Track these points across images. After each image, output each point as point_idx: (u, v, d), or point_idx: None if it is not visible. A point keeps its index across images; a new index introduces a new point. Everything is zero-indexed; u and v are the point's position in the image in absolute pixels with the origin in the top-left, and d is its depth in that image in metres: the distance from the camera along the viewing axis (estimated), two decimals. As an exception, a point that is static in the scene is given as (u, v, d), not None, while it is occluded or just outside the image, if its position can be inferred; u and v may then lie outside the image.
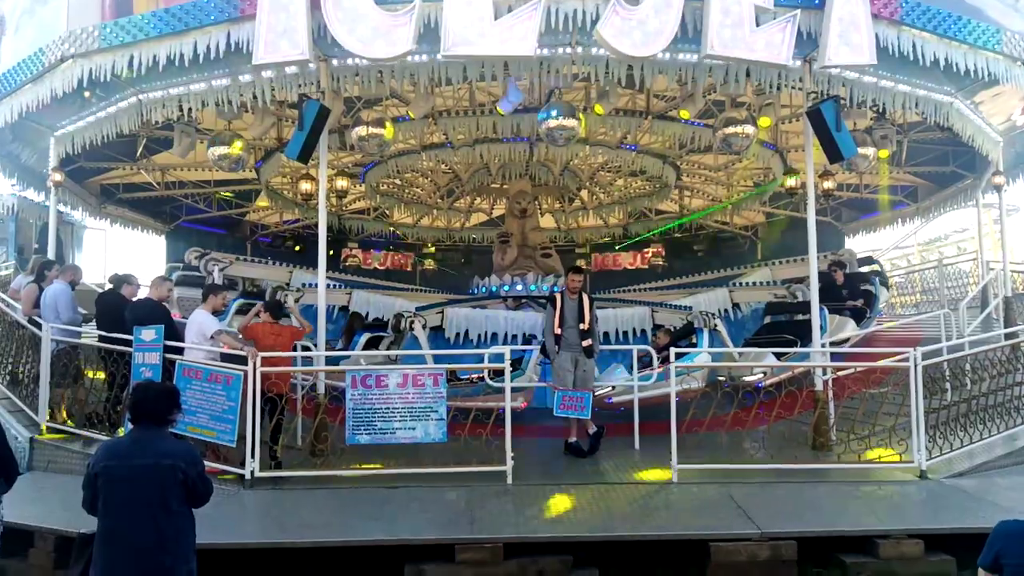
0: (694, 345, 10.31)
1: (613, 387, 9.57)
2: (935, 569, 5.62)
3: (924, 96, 8.81)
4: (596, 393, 8.58)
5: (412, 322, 10.83)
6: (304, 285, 12.99)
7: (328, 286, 10.50)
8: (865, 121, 10.94)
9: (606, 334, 11.68)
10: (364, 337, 11.00)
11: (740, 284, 14.13)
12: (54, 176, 10.74)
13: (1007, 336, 9.48)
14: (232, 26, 7.76)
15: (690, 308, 12.12)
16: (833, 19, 7.52)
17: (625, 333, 11.93)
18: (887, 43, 7.83)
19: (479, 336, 11.94)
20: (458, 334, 11.96)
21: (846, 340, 10.68)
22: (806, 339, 9.51)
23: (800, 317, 11.00)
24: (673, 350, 7.83)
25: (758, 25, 7.41)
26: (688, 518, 6.31)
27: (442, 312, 11.93)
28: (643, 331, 11.78)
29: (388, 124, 10.22)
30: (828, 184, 13.11)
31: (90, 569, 3.60)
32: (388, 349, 10.74)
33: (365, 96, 10.87)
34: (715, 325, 10.66)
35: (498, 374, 7.97)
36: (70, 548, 5.35)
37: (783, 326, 11.62)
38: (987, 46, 8.43)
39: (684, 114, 10.75)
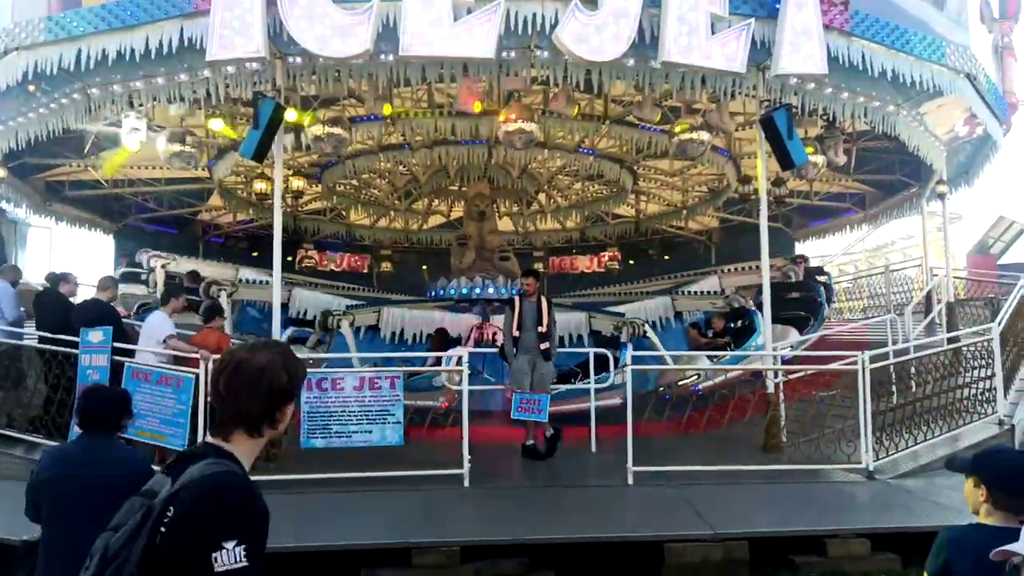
0: (749, 328, 10.50)
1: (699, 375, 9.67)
2: (881, 567, 5.76)
3: (872, 106, 9.05)
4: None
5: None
6: (351, 306, 12.42)
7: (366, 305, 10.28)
8: (816, 129, 11.21)
9: (561, 338, 11.70)
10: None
11: (684, 292, 14.23)
12: (-3, 172, 10.40)
13: (950, 340, 9.78)
14: (185, 21, 7.61)
15: (623, 315, 12.21)
16: (786, 28, 7.69)
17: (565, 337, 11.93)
18: (838, 53, 8.03)
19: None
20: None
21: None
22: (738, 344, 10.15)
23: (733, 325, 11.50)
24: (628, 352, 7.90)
25: (713, 33, 7.54)
26: (643, 520, 6.37)
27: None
28: (579, 336, 11.81)
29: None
30: (780, 191, 13.40)
31: (34, 578, 3.47)
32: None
33: (322, 95, 10.74)
34: (644, 332, 10.85)
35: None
36: (12, 556, 5.16)
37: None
38: (932, 59, 8.71)
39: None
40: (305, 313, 12.27)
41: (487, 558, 5.58)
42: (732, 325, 11.66)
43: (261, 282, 12.69)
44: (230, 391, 1.86)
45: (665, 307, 13.22)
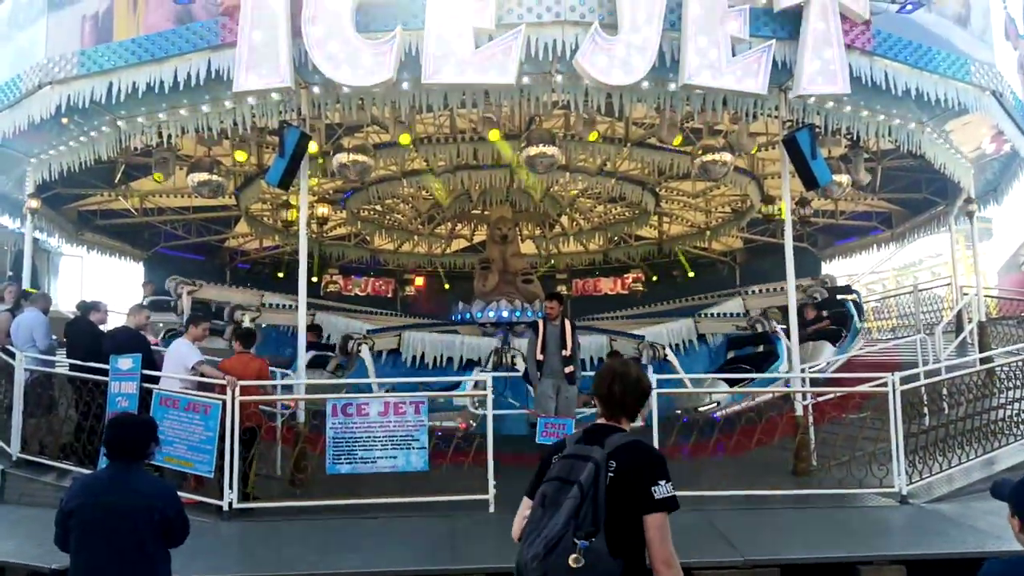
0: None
1: (718, 403, 9.74)
2: (917, 595, 5.62)
3: (896, 124, 9.00)
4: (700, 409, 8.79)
5: None
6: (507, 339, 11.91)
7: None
8: (840, 149, 11.14)
9: (676, 346, 11.99)
10: None
11: (706, 315, 14.22)
12: (30, 203, 10.62)
13: (982, 361, 9.59)
14: (212, 53, 7.76)
15: (738, 314, 12.34)
16: (807, 49, 7.68)
17: (583, 361, 11.88)
18: (860, 73, 7.99)
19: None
20: None
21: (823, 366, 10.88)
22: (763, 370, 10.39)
23: (761, 349, 11.39)
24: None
25: (734, 55, 7.54)
26: (671, 546, 6.26)
27: None
28: (689, 342, 11.93)
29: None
30: (804, 211, 13.30)
31: (63, 607, 3.50)
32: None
33: (346, 123, 10.89)
34: (664, 356, 10.81)
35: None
36: (41, 584, 5.21)
37: (746, 359, 11.75)
38: (956, 76, 8.64)
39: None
40: (423, 356, 11.67)
41: (513, 585, 5.51)
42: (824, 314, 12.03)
43: (389, 331, 12.40)
44: (620, 390, 2.78)
45: (739, 307, 13.41)
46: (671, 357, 11.13)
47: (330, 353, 10.85)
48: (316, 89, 7.89)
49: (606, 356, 11.19)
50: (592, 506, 2.52)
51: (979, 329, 12.14)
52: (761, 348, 11.07)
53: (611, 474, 2.58)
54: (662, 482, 2.61)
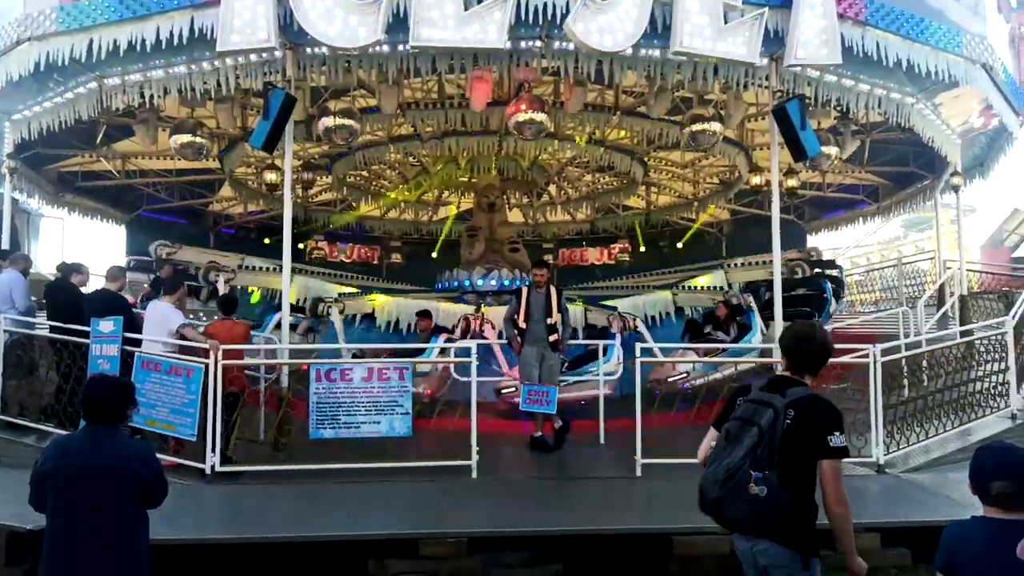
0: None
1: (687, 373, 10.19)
2: (891, 562, 5.72)
3: (886, 96, 8.95)
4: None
5: None
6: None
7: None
8: (829, 120, 11.10)
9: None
10: None
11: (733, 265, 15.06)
12: (9, 163, 10.43)
13: (962, 334, 9.69)
14: (196, 12, 7.59)
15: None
16: (800, 18, 7.61)
17: (653, 318, 12.47)
18: (852, 43, 7.93)
19: None
20: None
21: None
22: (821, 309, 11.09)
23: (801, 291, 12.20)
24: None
25: (726, 23, 7.46)
26: (651, 512, 6.35)
27: None
28: (666, 314, 12.17)
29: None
30: (792, 182, 13.28)
31: (39, 568, 3.48)
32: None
33: (332, 86, 10.72)
34: (750, 304, 11.49)
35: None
36: (20, 543, 5.20)
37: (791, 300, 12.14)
38: (948, 48, 8.60)
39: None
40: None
41: (494, 550, 5.58)
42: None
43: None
44: (807, 350, 3.16)
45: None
46: (753, 304, 11.66)
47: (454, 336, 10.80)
48: (302, 50, 7.75)
49: (673, 310, 12.32)
50: (768, 447, 2.94)
51: (960, 303, 12.24)
52: (801, 291, 11.73)
53: (788, 421, 2.96)
54: (837, 433, 2.96)
